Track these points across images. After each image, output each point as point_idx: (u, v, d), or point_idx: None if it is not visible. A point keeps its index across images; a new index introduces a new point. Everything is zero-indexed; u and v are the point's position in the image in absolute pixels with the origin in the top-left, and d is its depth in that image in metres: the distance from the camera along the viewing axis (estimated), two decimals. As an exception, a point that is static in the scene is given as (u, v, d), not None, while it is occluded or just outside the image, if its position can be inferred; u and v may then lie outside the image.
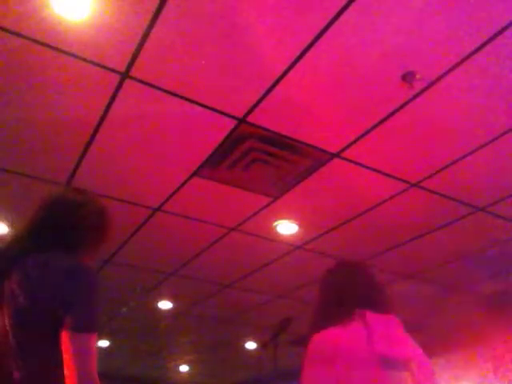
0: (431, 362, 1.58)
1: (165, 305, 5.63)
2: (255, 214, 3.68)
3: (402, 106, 2.59)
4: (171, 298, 5.47)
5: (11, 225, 3.88)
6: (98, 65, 2.36)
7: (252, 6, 2.06)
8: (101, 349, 6.77)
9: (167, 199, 3.50)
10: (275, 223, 3.81)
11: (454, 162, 3.02)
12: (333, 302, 1.64)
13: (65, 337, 1.25)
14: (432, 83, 2.43)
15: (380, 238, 3.98)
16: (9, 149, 3.01)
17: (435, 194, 3.34)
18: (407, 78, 2.37)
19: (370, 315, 1.48)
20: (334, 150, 2.95)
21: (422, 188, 3.29)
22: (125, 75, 2.42)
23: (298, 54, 2.28)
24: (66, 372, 1.24)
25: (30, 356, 1.31)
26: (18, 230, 1.53)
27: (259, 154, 3.01)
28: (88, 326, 1.28)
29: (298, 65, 2.34)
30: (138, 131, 2.83)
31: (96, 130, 2.81)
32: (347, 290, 1.64)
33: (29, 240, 1.46)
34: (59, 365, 1.26)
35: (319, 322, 1.59)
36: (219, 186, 3.32)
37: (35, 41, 2.22)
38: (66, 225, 1.50)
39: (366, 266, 1.79)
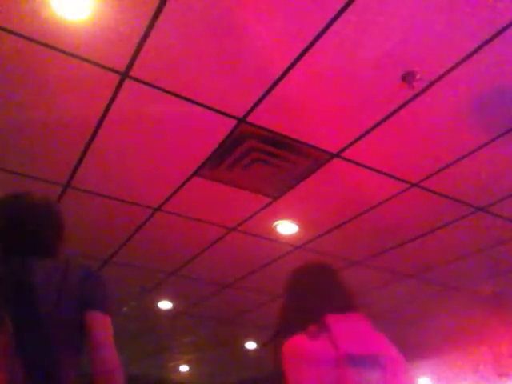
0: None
1: (165, 305, 5.63)
2: (255, 213, 3.68)
3: (401, 106, 2.59)
4: (171, 298, 5.47)
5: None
6: (98, 65, 2.36)
7: (252, 6, 2.06)
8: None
9: (167, 199, 3.50)
10: (275, 223, 3.81)
11: (454, 162, 3.02)
12: (296, 308, 1.67)
13: (91, 319, 1.42)
14: (432, 83, 2.43)
15: (380, 238, 3.98)
16: (9, 149, 3.01)
17: (435, 194, 3.34)
18: (407, 78, 2.37)
19: (331, 317, 1.50)
20: (334, 150, 2.95)
21: (422, 188, 3.29)
22: (125, 75, 2.42)
23: (298, 54, 2.28)
24: (90, 347, 1.39)
25: (41, 358, 1.34)
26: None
27: (259, 154, 3.01)
28: (109, 309, 1.47)
29: (298, 65, 2.34)
30: (137, 131, 2.83)
31: (96, 130, 2.81)
32: (309, 295, 1.66)
33: (35, 247, 1.51)
34: (73, 368, 1.39)
35: (285, 327, 1.62)
36: (219, 186, 3.32)
37: (35, 41, 2.22)
38: (52, 228, 1.60)
39: (328, 267, 1.81)
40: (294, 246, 4.15)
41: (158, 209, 3.63)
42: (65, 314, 1.39)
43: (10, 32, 2.17)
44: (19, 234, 1.52)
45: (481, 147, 2.87)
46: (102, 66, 2.37)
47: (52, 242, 1.57)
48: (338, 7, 2.04)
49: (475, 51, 2.24)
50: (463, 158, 2.97)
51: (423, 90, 2.47)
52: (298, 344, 1.49)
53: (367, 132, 2.79)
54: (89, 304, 1.44)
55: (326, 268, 1.80)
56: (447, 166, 3.05)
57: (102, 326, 1.43)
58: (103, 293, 1.51)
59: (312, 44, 2.23)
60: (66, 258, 1.55)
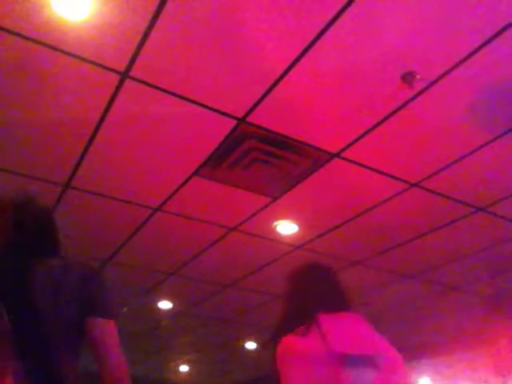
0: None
1: (165, 305, 5.63)
2: (255, 213, 3.68)
3: (401, 106, 2.59)
4: (171, 297, 5.47)
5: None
6: (98, 65, 2.36)
7: (252, 6, 2.06)
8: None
9: (167, 199, 3.50)
10: (275, 223, 3.81)
11: (454, 162, 3.02)
12: (292, 308, 1.70)
13: (95, 325, 1.40)
14: (432, 83, 2.43)
15: (380, 237, 3.98)
16: (9, 149, 3.01)
17: (435, 194, 3.34)
18: (407, 78, 2.37)
19: (323, 315, 1.50)
20: (334, 149, 2.95)
21: (422, 188, 3.29)
22: (125, 75, 2.42)
23: (298, 53, 2.28)
24: (98, 354, 1.38)
25: (42, 359, 1.34)
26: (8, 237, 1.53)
27: (259, 154, 3.01)
28: (112, 313, 1.45)
29: (298, 65, 2.34)
30: (137, 131, 2.83)
31: (96, 130, 2.81)
32: (305, 295, 1.68)
33: (33, 246, 1.49)
34: (73, 368, 1.38)
35: (281, 327, 1.64)
36: (219, 185, 3.32)
37: (35, 41, 2.22)
38: (49, 227, 1.59)
39: (326, 267, 1.83)
40: (294, 245, 4.15)
41: (158, 209, 3.63)
42: (64, 314, 1.38)
43: (10, 32, 2.17)
44: (19, 233, 1.51)
45: (481, 147, 2.87)
46: (102, 66, 2.37)
47: (53, 241, 1.56)
48: (338, 7, 2.04)
49: (475, 51, 2.24)
50: (463, 158, 2.97)
51: (423, 90, 2.47)
52: (289, 343, 1.51)
53: (367, 132, 2.79)
54: (91, 308, 1.41)
55: (323, 269, 1.81)
56: (447, 166, 3.05)
57: (107, 332, 1.40)
58: (104, 294, 1.48)
59: (312, 44, 2.23)
60: (65, 256, 1.54)
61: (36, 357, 1.33)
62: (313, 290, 1.68)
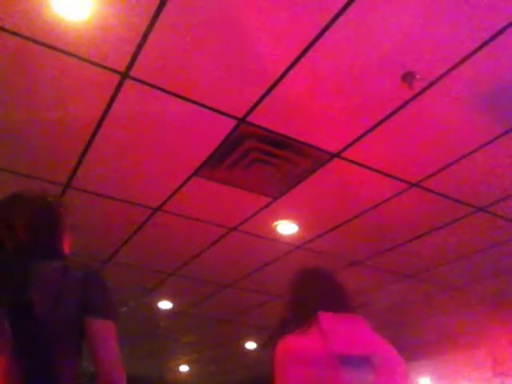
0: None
1: (165, 305, 5.64)
2: (255, 213, 3.68)
3: (401, 106, 2.59)
4: (171, 297, 5.47)
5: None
6: (98, 65, 2.36)
7: (252, 6, 2.06)
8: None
9: (167, 199, 3.50)
10: (275, 223, 3.81)
11: (454, 162, 3.02)
12: (293, 308, 1.70)
13: (92, 326, 1.38)
14: (432, 83, 2.43)
15: (380, 237, 3.98)
16: (9, 149, 3.01)
17: (435, 194, 3.34)
18: (407, 78, 2.37)
19: (324, 316, 1.51)
20: (334, 150, 2.95)
21: (422, 188, 3.29)
22: (125, 75, 2.42)
23: (298, 54, 2.28)
24: (95, 356, 1.36)
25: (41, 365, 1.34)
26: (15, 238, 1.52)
27: (259, 154, 3.01)
28: (111, 314, 1.43)
29: (298, 65, 2.34)
30: (138, 131, 2.83)
31: (96, 130, 2.81)
32: (305, 296, 1.69)
33: (33, 247, 1.48)
34: (73, 369, 1.37)
35: (281, 327, 1.64)
36: (219, 186, 3.32)
37: (35, 41, 2.22)
38: (58, 228, 1.58)
39: (326, 269, 1.83)
40: (294, 245, 4.15)
41: (158, 209, 3.63)
42: (63, 316, 1.37)
43: (10, 32, 2.18)
44: (16, 235, 1.50)
45: (481, 147, 2.87)
46: (102, 66, 2.37)
47: (51, 241, 1.54)
48: (338, 7, 2.04)
49: (475, 51, 2.24)
50: (463, 157, 2.97)
51: (423, 90, 2.47)
52: (288, 343, 1.51)
53: (367, 132, 2.79)
54: (90, 310, 1.40)
55: (323, 271, 1.81)
56: (447, 166, 3.05)
57: (105, 333, 1.39)
58: (104, 296, 1.46)
59: (312, 44, 2.23)
60: (66, 258, 1.53)
61: (35, 359, 1.33)
62: (313, 291, 1.68)
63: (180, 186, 3.35)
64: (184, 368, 8.64)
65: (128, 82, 2.46)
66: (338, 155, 2.99)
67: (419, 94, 2.49)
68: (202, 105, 2.61)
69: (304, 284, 1.75)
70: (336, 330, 1.48)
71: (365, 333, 1.53)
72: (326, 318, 1.51)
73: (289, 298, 1.76)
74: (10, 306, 1.37)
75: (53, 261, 1.47)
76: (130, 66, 2.37)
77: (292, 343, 1.50)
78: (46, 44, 2.24)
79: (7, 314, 1.37)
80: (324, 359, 1.41)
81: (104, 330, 1.39)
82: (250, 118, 2.70)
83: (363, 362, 1.42)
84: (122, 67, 2.37)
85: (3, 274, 1.43)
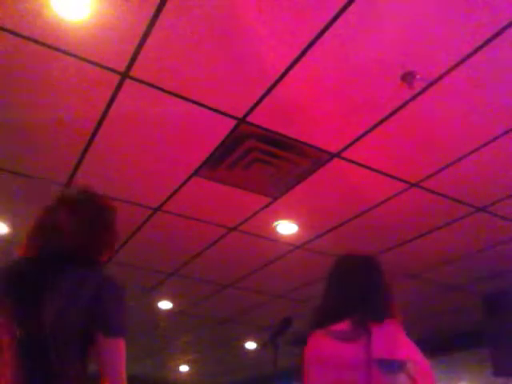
0: (431, 361, 1.58)
1: (165, 305, 5.64)
2: (255, 213, 3.68)
3: (401, 106, 2.59)
4: (171, 297, 5.47)
5: (12, 225, 3.88)
6: (98, 65, 2.36)
7: (252, 6, 2.06)
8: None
9: (167, 199, 3.50)
10: (275, 223, 3.81)
11: (454, 162, 3.02)
12: (333, 301, 1.64)
13: (100, 342, 1.37)
14: (432, 83, 2.43)
15: (380, 237, 3.97)
16: (9, 149, 3.01)
17: (435, 194, 3.34)
18: (407, 78, 2.37)
19: (376, 328, 1.47)
20: (334, 149, 2.95)
21: (422, 188, 3.29)
22: (125, 75, 2.42)
23: (298, 53, 2.28)
24: (101, 371, 1.35)
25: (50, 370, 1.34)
26: (51, 236, 1.51)
27: (259, 154, 3.01)
28: (120, 332, 1.42)
29: (298, 65, 2.34)
30: (137, 131, 2.83)
31: (96, 130, 2.81)
32: (349, 290, 1.62)
33: (61, 251, 1.47)
34: (75, 377, 1.37)
35: (317, 320, 1.60)
36: (219, 186, 3.32)
37: (35, 41, 2.22)
38: (103, 233, 1.56)
39: (377, 263, 1.75)
40: (294, 245, 4.15)
41: (158, 209, 3.64)
42: (70, 323, 1.37)
43: (10, 32, 2.18)
44: (60, 240, 1.49)
45: (481, 147, 2.87)
46: (102, 66, 2.37)
47: (86, 248, 1.51)
48: (338, 7, 2.04)
49: (475, 51, 2.24)
50: (463, 157, 2.97)
51: (423, 90, 2.47)
52: (326, 345, 1.48)
53: (367, 132, 2.79)
54: (101, 324, 1.39)
55: (374, 264, 1.72)
56: (447, 166, 3.05)
57: (113, 352, 1.38)
58: (116, 311, 1.45)
59: (312, 44, 2.23)
60: (96, 264, 1.51)
61: (39, 359, 1.34)
62: (357, 287, 1.61)
63: (180, 186, 3.35)
64: (184, 368, 8.64)
65: (128, 82, 2.46)
66: (338, 155, 2.99)
67: (419, 94, 2.49)
68: (202, 105, 2.61)
69: (348, 275, 1.66)
70: (381, 339, 1.45)
71: (400, 338, 1.51)
72: (377, 330, 1.46)
73: (329, 287, 1.67)
74: (21, 308, 1.39)
75: (78, 267, 1.44)
76: (129, 66, 2.37)
77: (333, 347, 1.47)
78: (46, 44, 2.24)
79: (17, 315, 1.39)
80: (363, 365, 1.40)
81: (113, 349, 1.38)
82: (250, 118, 2.70)
83: (401, 367, 1.42)
84: (122, 67, 2.37)
85: (20, 280, 1.43)
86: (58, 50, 2.27)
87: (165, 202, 3.54)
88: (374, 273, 1.67)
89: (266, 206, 3.58)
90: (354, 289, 1.62)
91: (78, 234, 1.50)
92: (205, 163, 3.09)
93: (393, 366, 1.41)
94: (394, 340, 1.48)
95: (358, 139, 2.85)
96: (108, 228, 1.59)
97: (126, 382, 1.37)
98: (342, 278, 1.68)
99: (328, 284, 1.70)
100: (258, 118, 2.69)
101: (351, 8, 2.04)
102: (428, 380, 1.49)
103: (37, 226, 1.53)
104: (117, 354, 1.38)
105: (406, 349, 1.49)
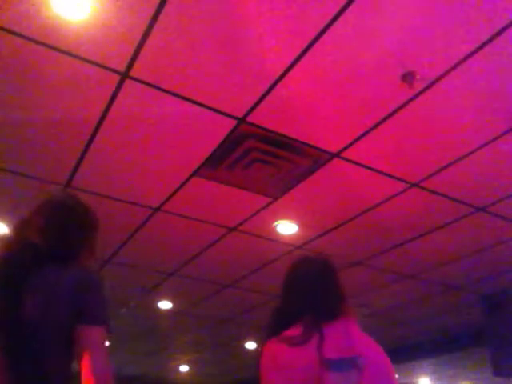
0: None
1: (165, 305, 5.64)
2: (255, 213, 3.68)
3: (401, 106, 2.59)
4: (171, 297, 5.47)
5: (11, 225, 3.88)
6: (98, 65, 2.36)
7: (252, 6, 2.06)
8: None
9: (167, 199, 3.50)
10: (275, 223, 3.81)
11: (454, 162, 3.02)
12: (281, 308, 1.66)
13: (81, 331, 1.37)
14: (432, 83, 2.43)
15: (380, 237, 3.98)
16: (9, 149, 3.01)
17: (435, 193, 3.34)
18: (407, 78, 2.37)
19: (328, 327, 1.48)
20: (334, 149, 2.95)
21: (422, 188, 3.29)
22: (125, 75, 2.42)
23: (298, 53, 2.28)
24: (81, 364, 1.33)
25: (35, 365, 1.34)
26: (27, 235, 1.54)
27: (259, 154, 3.01)
28: (101, 320, 1.41)
29: (297, 65, 2.34)
30: (137, 131, 2.83)
31: (96, 130, 2.81)
32: (297, 294, 1.63)
33: (43, 248, 1.48)
34: (63, 372, 1.36)
35: (271, 328, 1.62)
36: (219, 186, 3.32)
37: (35, 41, 2.22)
38: (76, 231, 1.62)
39: (326, 263, 1.71)
40: (294, 245, 4.15)
41: (158, 209, 3.63)
42: (54, 320, 1.37)
43: (10, 32, 2.18)
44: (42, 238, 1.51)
45: (481, 147, 2.87)
46: (102, 66, 2.37)
47: (63, 246, 1.53)
48: (338, 7, 2.04)
49: (475, 51, 2.24)
50: (463, 157, 2.97)
51: (423, 90, 2.47)
52: (278, 352, 1.49)
53: (367, 132, 2.79)
54: (81, 315, 1.38)
55: (322, 264, 1.70)
56: (447, 166, 3.05)
57: (92, 340, 1.37)
58: (97, 301, 1.45)
59: (312, 44, 2.23)
60: (76, 261, 1.53)
61: (25, 358, 1.34)
62: (306, 288, 1.62)
63: (180, 186, 3.35)
64: (184, 368, 8.64)
65: (128, 82, 2.46)
66: (338, 155, 2.99)
67: (419, 93, 2.49)
68: (202, 105, 2.61)
69: (296, 278, 1.67)
70: (332, 339, 1.46)
71: (353, 334, 1.51)
72: (329, 329, 1.47)
73: (280, 294, 1.69)
74: (2, 308, 1.39)
75: (55, 266, 1.45)
76: (130, 66, 2.37)
77: (283, 353, 1.47)
78: (46, 44, 2.24)
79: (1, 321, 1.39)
80: (313, 365, 1.40)
81: (92, 337, 1.37)
82: (250, 118, 2.70)
83: (349, 364, 1.41)
84: (122, 67, 2.37)
85: (4, 276, 1.44)
86: (58, 50, 2.27)
87: (165, 201, 3.54)
88: (328, 274, 1.67)
89: (266, 206, 3.58)
90: (306, 292, 1.62)
91: (49, 233, 1.52)
92: (205, 163, 3.09)
93: (342, 364, 1.41)
94: (345, 337, 1.47)
95: (358, 139, 2.85)
96: (81, 228, 1.66)
97: (109, 370, 1.35)
98: (295, 282, 1.68)
99: (282, 289, 1.71)
100: (258, 117, 2.69)
101: (351, 8, 2.04)
102: (381, 374, 1.47)
103: (16, 226, 1.55)
104: (99, 342, 1.37)
105: (358, 345, 1.48)
